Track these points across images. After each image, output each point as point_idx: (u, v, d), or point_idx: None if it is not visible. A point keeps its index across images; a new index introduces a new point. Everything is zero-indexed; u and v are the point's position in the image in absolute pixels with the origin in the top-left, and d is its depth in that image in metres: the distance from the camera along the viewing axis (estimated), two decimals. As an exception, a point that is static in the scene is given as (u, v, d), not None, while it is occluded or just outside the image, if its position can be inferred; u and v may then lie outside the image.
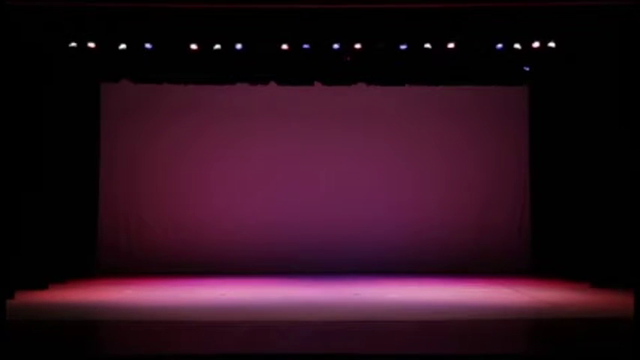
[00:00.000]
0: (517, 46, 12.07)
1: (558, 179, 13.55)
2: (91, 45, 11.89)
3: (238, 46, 12.12)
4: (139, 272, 13.51)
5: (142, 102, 14.24)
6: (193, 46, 12.07)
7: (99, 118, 14.11)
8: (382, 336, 8.12)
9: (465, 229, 14.26)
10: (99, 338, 8.40)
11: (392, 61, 12.66)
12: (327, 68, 12.99)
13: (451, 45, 12.05)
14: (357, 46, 12.12)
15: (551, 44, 11.92)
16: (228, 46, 12.10)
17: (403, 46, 12.11)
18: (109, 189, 14.13)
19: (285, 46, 12.10)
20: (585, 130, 12.50)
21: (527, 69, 13.24)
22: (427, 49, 12.09)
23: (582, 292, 11.41)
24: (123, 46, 12.01)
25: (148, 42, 12.01)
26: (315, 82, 13.60)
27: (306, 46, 12.13)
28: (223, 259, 13.99)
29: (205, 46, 12.09)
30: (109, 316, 9.33)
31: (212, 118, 14.33)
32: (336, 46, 12.18)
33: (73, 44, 11.85)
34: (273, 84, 13.61)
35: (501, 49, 12.15)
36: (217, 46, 12.08)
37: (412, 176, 14.42)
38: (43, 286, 11.40)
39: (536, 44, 11.95)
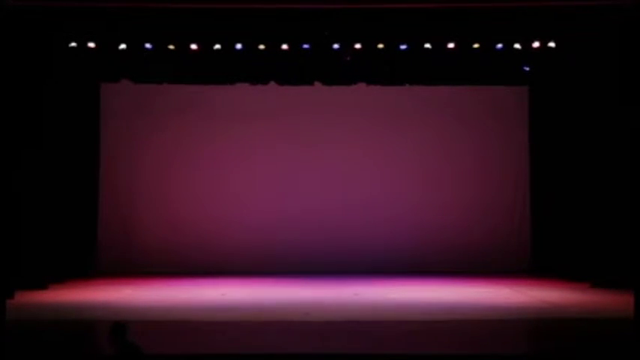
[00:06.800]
0: (517, 46, 12.07)
1: (558, 179, 13.54)
2: (91, 45, 11.88)
3: (238, 46, 12.11)
4: (138, 272, 13.50)
5: (142, 102, 14.24)
6: (193, 46, 12.07)
7: (99, 118, 14.10)
8: (382, 336, 8.12)
9: (465, 229, 14.25)
10: (98, 338, 8.40)
11: (392, 61, 12.66)
12: (327, 68, 12.98)
13: (451, 45, 12.05)
14: (357, 46, 12.11)
15: (551, 44, 11.92)
16: (228, 46, 12.10)
17: (403, 46, 12.10)
18: (109, 189, 14.13)
19: (285, 46, 12.10)
20: (585, 129, 12.49)
21: (527, 69, 13.24)
22: (427, 49, 12.09)
23: (582, 292, 11.41)
24: (123, 46, 12.01)
25: (148, 42, 12.00)
26: (315, 82, 13.59)
27: (306, 46, 12.13)
28: (223, 259, 13.98)
29: (205, 46, 12.09)
30: (108, 316, 9.31)
31: (212, 118, 14.32)
32: (336, 46, 12.17)
33: (73, 44, 11.84)
34: (273, 84, 13.61)
35: (501, 49, 12.14)
36: (217, 46, 12.08)
37: (411, 176, 14.41)
38: (42, 286, 11.40)
39: (536, 44, 11.95)
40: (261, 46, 12.13)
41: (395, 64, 12.80)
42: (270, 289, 11.75)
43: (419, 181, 14.42)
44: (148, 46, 12.07)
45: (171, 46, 12.09)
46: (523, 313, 9.71)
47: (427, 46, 12.05)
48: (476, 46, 12.07)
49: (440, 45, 12.06)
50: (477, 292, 11.40)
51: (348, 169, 14.38)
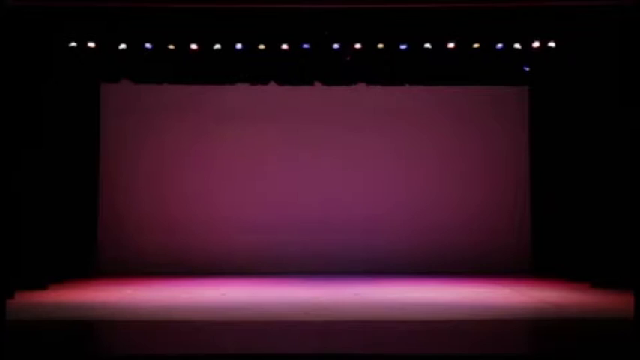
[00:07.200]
0: (517, 46, 12.07)
1: (558, 179, 13.55)
2: (91, 45, 11.88)
3: (238, 46, 12.12)
4: (138, 272, 13.50)
5: (142, 102, 14.24)
6: (193, 46, 12.07)
7: (99, 117, 14.11)
8: (382, 336, 8.11)
9: (465, 229, 14.26)
10: (98, 338, 8.40)
11: (392, 61, 12.66)
12: (327, 68, 12.98)
13: (451, 45, 12.05)
14: (357, 46, 12.12)
15: (551, 44, 11.92)
16: (228, 46, 12.10)
17: (403, 46, 12.11)
18: (109, 189, 14.14)
19: (285, 46, 12.10)
20: (585, 130, 12.50)
21: (527, 69, 13.24)
22: (427, 49, 12.09)
23: (582, 292, 11.40)
24: (123, 46, 12.01)
25: (148, 42, 12.00)
26: (315, 82, 13.60)
27: (306, 46, 12.13)
28: (223, 259, 13.99)
29: (205, 46, 12.09)
30: (109, 316, 9.32)
31: (212, 118, 14.33)
32: (336, 46, 12.17)
33: (73, 44, 11.84)
34: (273, 84, 13.62)
35: (501, 49, 12.15)
36: (217, 46, 12.08)
37: (411, 176, 14.42)
38: (42, 286, 11.40)
39: (536, 44, 11.95)
40: (261, 46, 12.13)
41: (395, 64, 12.80)
42: (271, 289, 11.75)
43: (418, 181, 14.42)
44: (148, 46, 12.07)
45: (171, 46, 12.09)
46: (523, 313, 9.70)
47: (427, 46, 12.05)
48: (476, 46, 12.07)
49: (440, 45, 12.06)
50: (477, 292, 11.40)
51: (347, 169, 14.38)
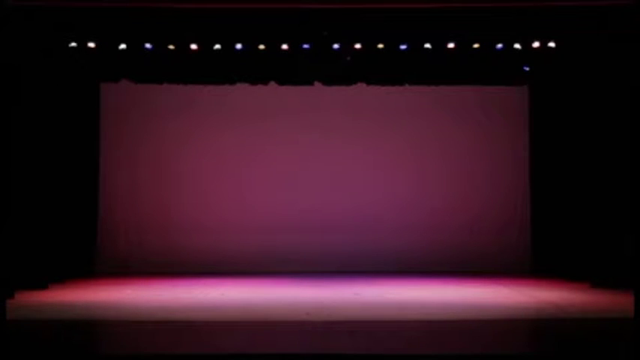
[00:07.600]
0: (517, 46, 12.06)
1: (558, 179, 13.55)
2: (91, 45, 11.88)
3: (238, 46, 12.11)
4: (138, 272, 13.51)
5: (142, 102, 14.25)
6: (193, 46, 12.07)
7: (99, 118, 14.11)
8: (382, 336, 8.11)
9: (464, 229, 14.26)
10: (99, 338, 8.40)
11: (392, 61, 12.65)
12: (327, 68, 12.97)
13: (451, 45, 12.04)
14: (357, 46, 12.11)
15: (551, 44, 11.92)
16: (228, 46, 12.09)
17: (403, 46, 12.10)
18: (109, 189, 14.14)
19: (285, 46, 12.09)
20: (585, 130, 12.50)
21: (527, 69, 13.24)
22: (427, 49, 12.09)
23: (582, 292, 11.41)
24: (123, 46, 12.00)
25: (148, 42, 12.00)
26: (315, 82, 13.59)
27: (306, 46, 12.12)
28: (223, 259, 13.99)
29: (205, 46, 12.08)
30: (109, 316, 9.32)
31: (212, 118, 14.34)
32: (336, 46, 12.17)
33: (73, 44, 11.84)
34: (273, 84, 13.61)
35: (501, 49, 12.14)
36: (217, 46, 12.07)
37: (412, 176, 14.43)
38: (43, 286, 11.40)
39: (536, 44, 11.94)
40: (261, 46, 12.12)
41: (395, 64, 12.79)
42: (271, 289, 11.75)
43: (418, 181, 14.43)
44: (148, 46, 12.06)
45: (171, 46, 12.08)
46: (523, 313, 9.71)
47: (427, 46, 12.05)
48: (476, 46, 12.06)
49: (440, 45, 12.06)
50: (477, 292, 11.40)
51: (347, 169, 14.39)
